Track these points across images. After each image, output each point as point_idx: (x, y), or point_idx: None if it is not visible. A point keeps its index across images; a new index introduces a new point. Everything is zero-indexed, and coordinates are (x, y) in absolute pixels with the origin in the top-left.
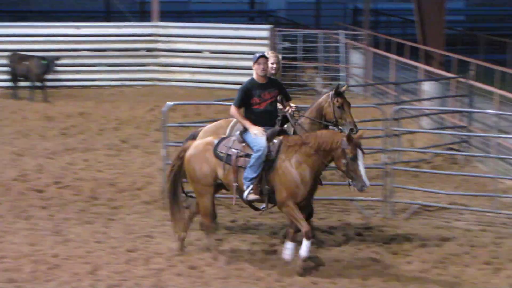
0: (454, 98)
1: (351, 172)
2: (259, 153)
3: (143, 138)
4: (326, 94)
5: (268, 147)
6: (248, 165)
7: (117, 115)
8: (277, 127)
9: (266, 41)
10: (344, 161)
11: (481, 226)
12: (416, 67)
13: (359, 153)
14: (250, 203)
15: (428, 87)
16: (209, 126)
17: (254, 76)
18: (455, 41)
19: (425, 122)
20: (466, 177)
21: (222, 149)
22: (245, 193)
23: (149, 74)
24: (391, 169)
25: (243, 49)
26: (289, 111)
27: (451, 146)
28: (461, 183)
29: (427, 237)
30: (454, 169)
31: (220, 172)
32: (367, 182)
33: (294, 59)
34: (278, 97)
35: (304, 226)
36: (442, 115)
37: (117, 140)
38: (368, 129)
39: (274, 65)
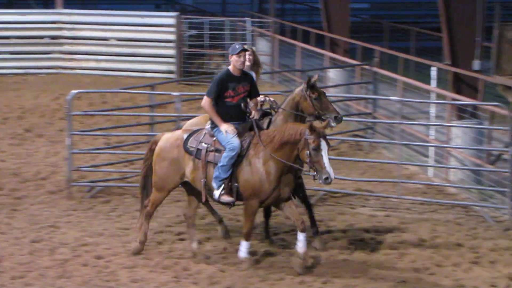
0: (359, 85)
1: (314, 164)
2: (232, 153)
3: (48, 127)
4: (299, 89)
5: (240, 143)
6: (220, 164)
7: (21, 103)
8: (247, 123)
9: (172, 29)
10: (307, 152)
11: (386, 212)
12: (321, 55)
13: (323, 143)
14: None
15: (333, 74)
16: (190, 122)
17: (230, 68)
18: (360, 29)
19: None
20: (371, 164)
21: (192, 143)
22: (217, 194)
23: (54, 62)
24: None
25: (149, 36)
26: (268, 101)
27: (356, 132)
28: (367, 169)
29: (333, 223)
30: (359, 155)
31: (188, 169)
32: (332, 174)
33: (201, 46)
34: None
35: (246, 228)
36: (348, 102)
37: (21, 129)
38: None
39: (248, 57)
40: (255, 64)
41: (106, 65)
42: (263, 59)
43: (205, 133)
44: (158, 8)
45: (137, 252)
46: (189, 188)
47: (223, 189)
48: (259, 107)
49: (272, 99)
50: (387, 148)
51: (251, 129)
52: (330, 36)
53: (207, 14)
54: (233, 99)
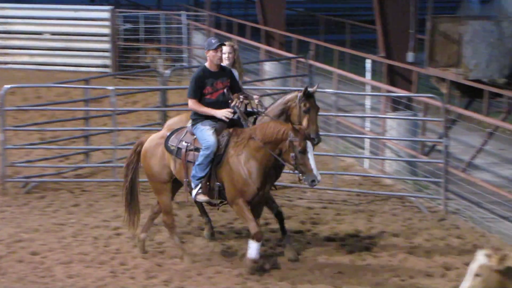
0: (295, 78)
1: (300, 166)
2: (207, 151)
3: None
4: (295, 94)
5: (218, 141)
6: (196, 163)
7: None
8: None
9: (107, 23)
10: (292, 154)
11: (322, 204)
12: (257, 48)
13: (309, 145)
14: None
15: (269, 67)
16: (172, 120)
17: (207, 64)
18: (295, 22)
19: (268, 101)
20: None
21: (173, 141)
22: (193, 193)
23: None
24: None
25: (84, 30)
26: (257, 100)
27: None
28: None
29: (270, 215)
30: None
31: (172, 167)
32: (319, 177)
33: (136, 40)
34: (225, 89)
35: (252, 228)
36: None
37: None
38: None
39: (226, 55)
40: (236, 62)
41: (40, 59)
42: (199, 52)
43: (186, 132)
44: (92, 2)
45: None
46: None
47: (200, 188)
48: (242, 107)
49: (259, 99)
50: (323, 140)
51: (230, 126)
52: (266, 29)
53: (142, 8)
54: (211, 95)
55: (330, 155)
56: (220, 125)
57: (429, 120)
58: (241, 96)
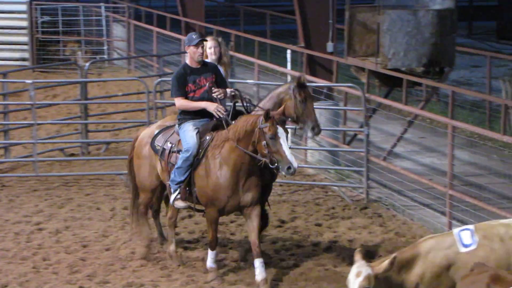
0: None
1: (274, 154)
2: (187, 154)
3: None
4: (287, 86)
5: (199, 144)
6: (176, 166)
7: None
8: (213, 121)
9: (24, 15)
10: (263, 142)
11: None
12: (178, 39)
13: (280, 130)
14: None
15: None
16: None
17: (187, 60)
18: (215, 13)
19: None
20: None
21: (159, 141)
22: (172, 198)
23: None
24: None
25: (1, 23)
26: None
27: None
28: None
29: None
30: None
31: (158, 170)
32: (295, 163)
33: (55, 33)
34: (207, 85)
35: (211, 235)
36: None
37: None
38: (132, 102)
39: (212, 49)
40: (223, 56)
41: None
42: (119, 44)
43: (173, 132)
44: None
45: (144, 257)
46: None
47: (179, 193)
48: (230, 102)
49: (246, 96)
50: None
51: (215, 128)
52: (186, 21)
53: (61, 0)
54: (194, 93)
55: None
56: (204, 127)
57: (350, 110)
58: (230, 90)
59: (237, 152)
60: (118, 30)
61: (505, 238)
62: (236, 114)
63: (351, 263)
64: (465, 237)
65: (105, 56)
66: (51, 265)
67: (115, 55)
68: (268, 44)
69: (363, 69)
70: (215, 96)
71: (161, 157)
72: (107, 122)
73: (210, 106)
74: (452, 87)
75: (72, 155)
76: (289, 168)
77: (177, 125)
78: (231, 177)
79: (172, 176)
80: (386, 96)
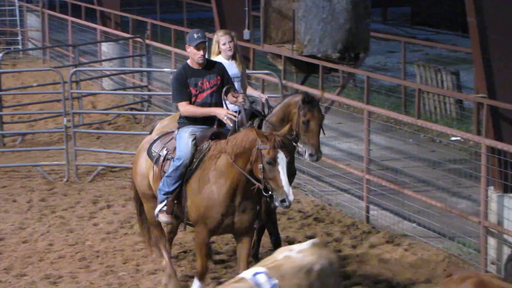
0: (133, 58)
1: (269, 181)
2: (178, 163)
3: None
4: (298, 98)
5: (193, 153)
6: (166, 174)
7: None
8: (213, 128)
9: None
10: (260, 165)
11: None
12: (93, 29)
13: (281, 155)
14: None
15: (106, 48)
16: (161, 122)
17: (189, 61)
18: (131, 1)
19: (106, 83)
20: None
21: (156, 147)
22: (156, 209)
23: None
24: (73, 132)
25: None
26: (263, 99)
27: (132, 106)
28: None
29: (112, 197)
30: (137, 129)
31: (150, 178)
32: (291, 196)
33: None
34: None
35: (199, 265)
36: (123, 76)
37: None
38: (48, 93)
39: (227, 45)
40: (236, 52)
41: None
42: (33, 34)
43: (171, 138)
44: None
45: (169, 273)
46: None
47: (165, 206)
48: (247, 105)
49: (266, 98)
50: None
51: (214, 136)
52: (101, 10)
53: None
54: (196, 97)
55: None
56: (202, 134)
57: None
58: (240, 95)
59: (234, 168)
60: (32, 20)
61: (303, 270)
62: (251, 116)
63: (270, 249)
64: (263, 281)
65: (20, 47)
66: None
67: (30, 46)
68: (185, 32)
69: (279, 56)
70: (238, 104)
71: (155, 164)
72: (22, 113)
73: (220, 112)
74: (367, 73)
75: None
76: (283, 200)
77: (176, 130)
78: (227, 193)
79: (160, 184)
80: (303, 83)
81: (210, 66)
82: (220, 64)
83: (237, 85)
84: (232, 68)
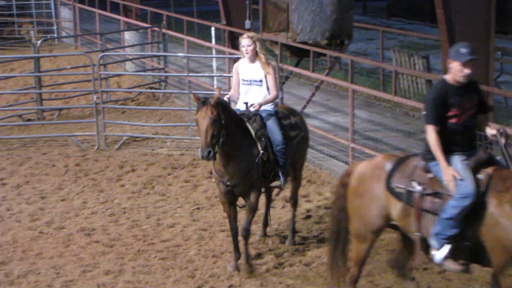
0: (151, 45)
1: None
2: (464, 203)
3: None
4: None
5: (476, 187)
6: (444, 216)
7: None
8: (481, 153)
9: None
10: None
11: (180, 151)
12: (117, 20)
13: None
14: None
15: (128, 36)
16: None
17: (448, 76)
18: None
19: (129, 66)
20: (166, 111)
21: (399, 181)
22: (438, 256)
23: None
24: (102, 107)
25: None
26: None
27: (151, 85)
28: (162, 116)
29: (136, 163)
30: (155, 104)
31: (395, 212)
32: None
33: (11, 15)
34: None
35: None
36: (143, 60)
37: None
38: (80, 74)
39: (245, 48)
40: (259, 55)
41: None
42: (66, 25)
43: (415, 166)
44: None
45: None
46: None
47: (449, 252)
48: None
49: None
50: (178, 97)
51: (485, 164)
52: (123, 3)
53: None
54: (458, 119)
55: (185, 110)
56: (475, 161)
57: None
58: (496, 127)
59: None
60: (65, 12)
61: None
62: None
63: (272, 207)
64: None
65: (55, 35)
66: (14, 214)
67: (63, 34)
68: (195, 22)
69: (276, 43)
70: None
71: (407, 202)
72: (58, 91)
73: (446, 171)
74: (351, 57)
75: (29, 120)
76: None
77: (420, 159)
78: None
79: (437, 228)
80: (296, 65)
81: (468, 85)
82: (476, 84)
83: (256, 89)
84: (253, 72)
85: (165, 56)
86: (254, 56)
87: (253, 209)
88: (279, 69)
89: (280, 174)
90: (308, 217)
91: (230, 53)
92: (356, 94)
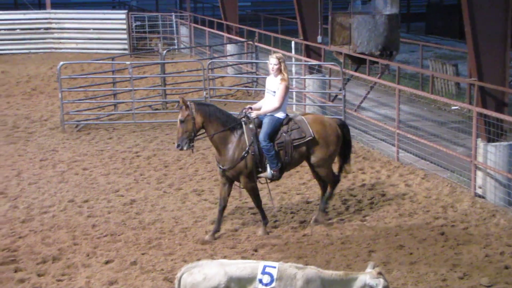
0: (246, 54)
1: None
2: None
3: (46, 87)
4: None
5: None
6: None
7: (27, 72)
8: None
9: (124, 21)
10: None
11: None
12: (221, 35)
13: None
14: None
15: (230, 48)
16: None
17: None
18: (245, 18)
19: (230, 70)
20: None
21: None
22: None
23: (48, 44)
24: (209, 101)
25: (110, 26)
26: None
27: (246, 85)
28: None
29: None
30: (249, 99)
31: None
32: None
33: (144, 32)
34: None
35: None
36: (240, 65)
37: (29, 89)
38: (194, 75)
39: (271, 66)
40: (282, 72)
41: (82, 46)
42: (184, 40)
43: None
44: (113, 7)
45: None
46: None
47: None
48: None
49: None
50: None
51: None
52: (226, 23)
53: (147, 11)
54: None
55: None
56: None
57: (333, 79)
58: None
59: None
60: (184, 30)
61: (295, 278)
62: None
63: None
64: (266, 278)
65: (176, 47)
66: (146, 178)
67: (182, 46)
68: (279, 38)
69: (340, 53)
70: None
71: None
72: (178, 88)
73: None
74: (398, 64)
75: (157, 109)
76: None
77: None
78: None
79: None
80: (355, 70)
81: None
82: None
83: (270, 98)
84: (272, 84)
85: (256, 63)
86: (278, 72)
87: (249, 190)
88: (342, 73)
89: (268, 166)
90: (363, 185)
91: (306, 61)
92: (401, 92)
